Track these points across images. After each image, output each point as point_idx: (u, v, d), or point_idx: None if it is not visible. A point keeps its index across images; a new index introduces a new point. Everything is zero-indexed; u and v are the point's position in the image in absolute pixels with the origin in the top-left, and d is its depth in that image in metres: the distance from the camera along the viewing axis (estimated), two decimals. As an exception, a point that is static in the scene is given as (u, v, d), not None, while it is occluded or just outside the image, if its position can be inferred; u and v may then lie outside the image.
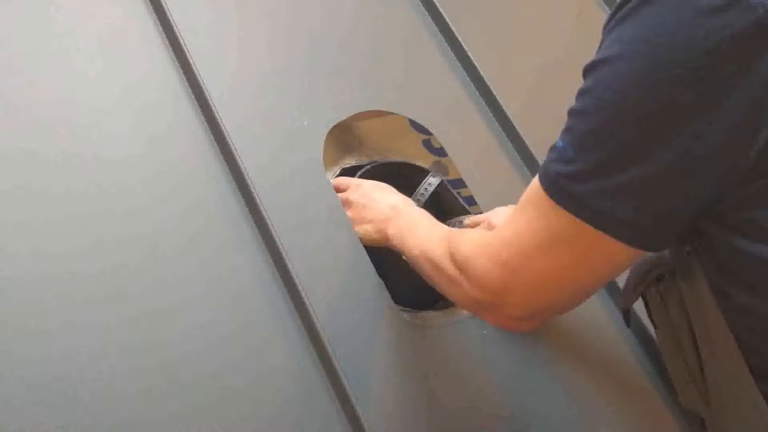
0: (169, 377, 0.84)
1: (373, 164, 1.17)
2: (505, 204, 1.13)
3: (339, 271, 0.99)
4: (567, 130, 0.73)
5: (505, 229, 0.78)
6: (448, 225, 1.11)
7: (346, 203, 1.04)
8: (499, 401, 1.00)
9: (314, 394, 0.89)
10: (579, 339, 1.06)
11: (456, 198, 1.16)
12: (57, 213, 0.89)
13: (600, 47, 0.72)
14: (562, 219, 0.72)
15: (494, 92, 1.26)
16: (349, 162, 1.18)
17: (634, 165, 0.68)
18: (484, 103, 1.26)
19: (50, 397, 0.78)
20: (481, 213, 1.13)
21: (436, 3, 1.32)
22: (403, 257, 1.00)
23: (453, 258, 0.82)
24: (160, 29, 1.07)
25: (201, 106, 1.03)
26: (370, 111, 1.17)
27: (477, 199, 1.16)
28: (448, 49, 1.30)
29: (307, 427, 0.87)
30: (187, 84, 1.04)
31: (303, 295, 0.93)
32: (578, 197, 0.70)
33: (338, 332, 0.92)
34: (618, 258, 0.74)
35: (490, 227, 1.06)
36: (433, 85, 1.26)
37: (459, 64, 1.29)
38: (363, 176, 1.12)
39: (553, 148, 0.74)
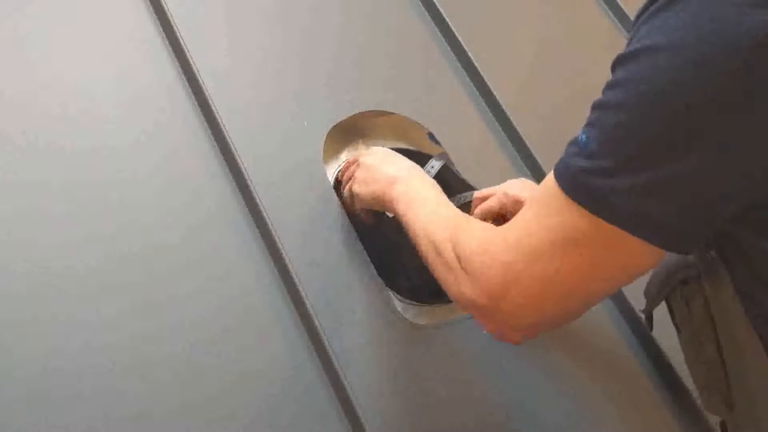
0: (169, 377, 0.84)
1: None
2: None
3: (339, 271, 0.99)
4: (592, 123, 0.68)
5: (511, 228, 0.73)
6: (452, 201, 1.10)
7: (357, 166, 1.01)
8: (498, 401, 0.99)
9: (314, 393, 0.89)
10: (579, 340, 1.06)
11: (461, 180, 1.15)
12: (57, 211, 0.89)
13: (632, 39, 0.68)
14: (578, 217, 0.67)
15: (494, 92, 1.26)
16: (353, 155, 1.18)
17: (667, 161, 0.64)
18: (483, 103, 1.26)
19: (47, 391, 0.78)
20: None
21: (436, 3, 1.32)
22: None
23: (455, 248, 0.77)
24: (160, 29, 1.07)
25: (201, 107, 1.03)
26: (370, 111, 1.17)
27: (477, 198, 1.16)
28: (448, 49, 1.30)
29: (307, 427, 0.87)
30: (187, 84, 1.04)
31: (303, 294, 0.93)
32: (601, 194, 0.66)
33: (338, 332, 0.92)
34: (639, 260, 0.69)
35: (507, 197, 1.03)
36: (433, 85, 1.26)
37: (459, 65, 1.29)
38: None
39: (573, 143, 0.69)
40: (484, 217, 1.02)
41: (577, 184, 0.67)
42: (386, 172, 0.96)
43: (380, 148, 1.03)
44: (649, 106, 0.65)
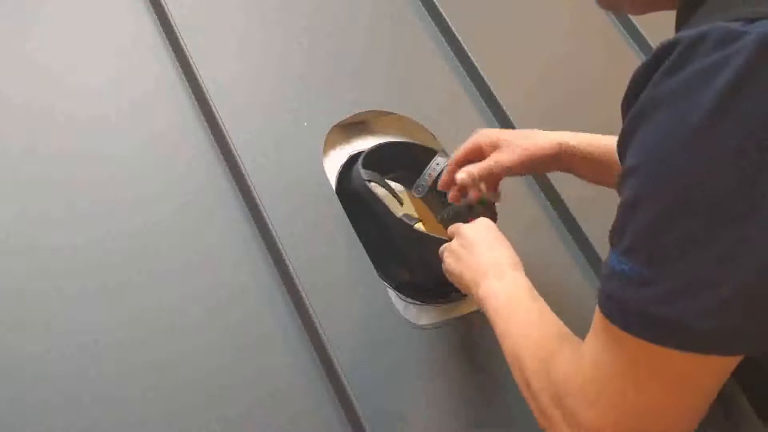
0: (168, 377, 0.84)
1: (380, 144, 1.15)
2: (505, 208, 1.13)
3: (339, 271, 0.99)
4: (631, 250, 0.60)
5: (585, 362, 0.67)
6: (450, 212, 1.10)
7: (458, 235, 0.96)
8: (498, 401, 0.99)
9: (314, 393, 0.89)
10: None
11: None
12: (56, 211, 0.89)
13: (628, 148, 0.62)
14: (652, 354, 0.60)
15: (494, 92, 1.26)
16: (357, 149, 1.17)
17: (739, 265, 0.56)
18: (483, 103, 1.27)
19: (45, 395, 0.78)
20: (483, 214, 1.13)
21: (437, 3, 1.32)
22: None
23: (548, 382, 0.71)
24: (160, 29, 1.07)
25: (201, 107, 1.03)
26: (370, 111, 1.17)
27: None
28: (448, 49, 1.30)
29: (307, 427, 0.87)
30: (187, 84, 1.04)
31: (303, 294, 0.93)
32: (674, 324, 0.58)
33: (338, 332, 0.92)
34: (726, 370, 0.62)
35: (482, 137, 1.00)
36: (433, 85, 1.26)
37: (459, 65, 1.29)
38: (370, 155, 1.10)
39: (610, 276, 0.62)
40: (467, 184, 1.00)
41: (644, 321, 0.60)
42: (479, 259, 0.90)
43: (487, 221, 0.97)
44: (698, 212, 0.57)
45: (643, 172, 0.59)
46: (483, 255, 0.90)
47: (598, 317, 0.65)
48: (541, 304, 0.82)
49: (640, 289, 0.59)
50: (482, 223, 0.96)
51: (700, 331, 0.58)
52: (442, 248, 0.98)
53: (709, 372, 0.61)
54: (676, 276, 0.58)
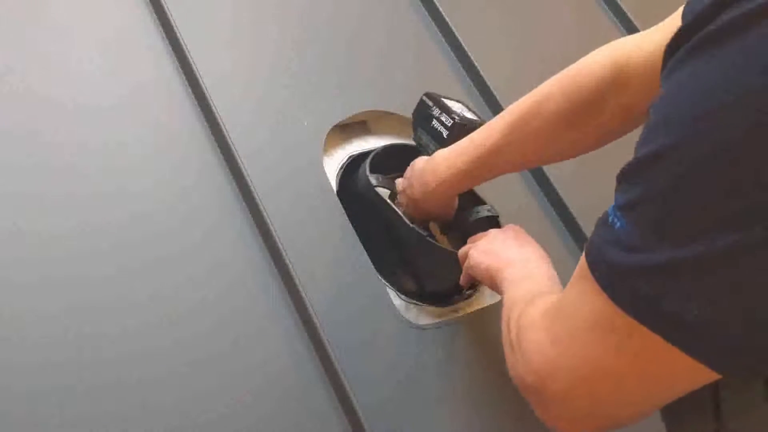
0: (166, 375, 0.83)
1: (386, 146, 1.14)
2: (506, 209, 1.13)
3: (339, 271, 0.99)
4: (630, 206, 0.53)
5: (559, 302, 0.64)
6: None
7: (486, 237, 0.98)
8: (499, 401, 0.99)
9: (313, 394, 0.88)
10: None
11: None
12: (57, 216, 0.88)
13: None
14: (620, 318, 0.55)
15: (494, 93, 1.26)
16: (357, 149, 1.17)
17: (736, 257, 0.48)
18: (484, 103, 1.27)
19: (38, 383, 0.77)
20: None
21: (437, 3, 1.32)
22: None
23: (517, 324, 0.69)
24: (160, 29, 1.07)
25: (201, 107, 1.03)
26: (370, 111, 1.17)
27: (477, 199, 1.16)
28: (449, 49, 1.30)
29: (306, 427, 0.87)
30: (187, 84, 1.04)
31: (303, 295, 0.92)
32: (645, 299, 0.52)
33: (338, 331, 0.92)
34: (696, 379, 0.55)
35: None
36: (433, 85, 1.25)
37: (459, 65, 1.29)
38: (376, 158, 1.10)
39: (605, 223, 0.56)
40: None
41: (618, 283, 0.54)
42: (507, 253, 0.90)
43: (515, 227, 0.98)
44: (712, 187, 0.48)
45: (683, 123, 0.50)
46: (512, 250, 0.91)
47: (583, 267, 0.60)
48: (557, 285, 0.81)
49: (623, 251, 0.53)
50: (511, 227, 0.98)
51: (673, 319, 0.51)
52: (465, 249, 0.98)
53: (678, 371, 0.53)
54: (672, 254, 0.50)
